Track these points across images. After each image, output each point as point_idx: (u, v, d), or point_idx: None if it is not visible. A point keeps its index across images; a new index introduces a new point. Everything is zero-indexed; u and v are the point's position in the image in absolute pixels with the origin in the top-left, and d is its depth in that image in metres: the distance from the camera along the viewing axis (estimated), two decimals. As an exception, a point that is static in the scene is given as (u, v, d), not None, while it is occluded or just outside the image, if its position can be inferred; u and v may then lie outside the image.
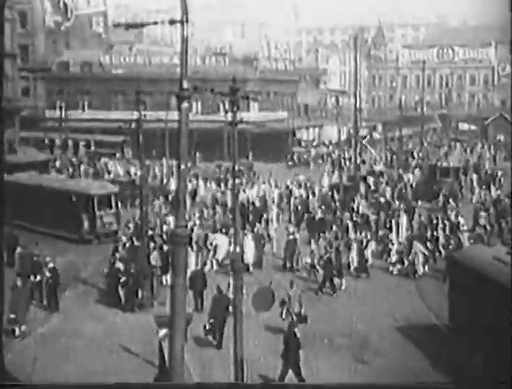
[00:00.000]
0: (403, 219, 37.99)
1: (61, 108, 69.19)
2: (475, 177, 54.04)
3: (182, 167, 15.33)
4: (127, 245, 32.14)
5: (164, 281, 29.96)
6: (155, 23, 16.97)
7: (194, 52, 76.50)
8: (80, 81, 78.24)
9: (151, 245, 31.80)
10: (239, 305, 20.47)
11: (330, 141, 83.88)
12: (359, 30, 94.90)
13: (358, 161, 53.93)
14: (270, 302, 24.54)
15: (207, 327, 24.38)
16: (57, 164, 59.57)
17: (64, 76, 79.06)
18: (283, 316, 25.80)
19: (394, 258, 33.21)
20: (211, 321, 24.33)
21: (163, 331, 19.92)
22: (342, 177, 48.32)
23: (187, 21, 15.29)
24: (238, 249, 22.53)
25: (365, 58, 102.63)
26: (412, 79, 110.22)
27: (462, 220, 37.03)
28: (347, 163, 61.49)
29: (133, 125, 33.93)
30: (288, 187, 48.34)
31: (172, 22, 15.67)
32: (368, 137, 68.42)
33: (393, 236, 35.90)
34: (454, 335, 24.83)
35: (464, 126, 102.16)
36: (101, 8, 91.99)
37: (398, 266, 32.79)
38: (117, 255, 30.20)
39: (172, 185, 50.57)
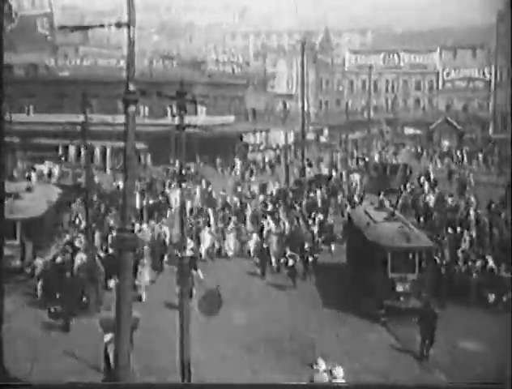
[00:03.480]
0: (271, 224, 39.05)
1: (4, 111, 68.00)
2: (422, 178, 56.57)
3: (129, 170, 15.32)
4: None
5: (109, 285, 29.96)
6: (102, 25, 16.89)
7: (142, 55, 76.09)
8: (25, 84, 77.17)
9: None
10: (186, 308, 20.47)
11: (277, 145, 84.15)
12: (306, 34, 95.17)
13: (305, 165, 54.50)
14: (217, 306, 24.60)
15: (52, 311, 25.90)
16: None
17: (8, 79, 77.76)
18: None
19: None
20: (56, 306, 25.89)
21: (109, 336, 19.81)
22: (289, 181, 49.00)
23: (134, 24, 15.27)
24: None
25: (312, 63, 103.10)
26: (359, 83, 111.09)
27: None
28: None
29: (78, 128, 33.66)
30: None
31: (118, 25, 15.64)
32: None
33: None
34: (348, 270, 32.99)
35: (410, 131, 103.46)
36: (46, 10, 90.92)
37: None
38: (59, 258, 30.01)
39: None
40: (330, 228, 39.64)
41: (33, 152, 68.11)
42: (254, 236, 37.36)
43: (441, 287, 29.31)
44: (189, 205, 43.98)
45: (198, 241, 36.63)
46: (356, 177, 56.90)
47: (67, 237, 34.85)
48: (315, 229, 38.92)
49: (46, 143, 69.82)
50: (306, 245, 34.58)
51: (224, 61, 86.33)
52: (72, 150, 66.31)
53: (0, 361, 17.82)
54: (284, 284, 32.58)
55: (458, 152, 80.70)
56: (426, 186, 53.64)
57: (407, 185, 53.10)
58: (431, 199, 46.84)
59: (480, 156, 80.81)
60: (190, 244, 32.88)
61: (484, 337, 25.26)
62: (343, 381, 18.68)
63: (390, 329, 26.92)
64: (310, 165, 62.62)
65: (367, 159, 71.46)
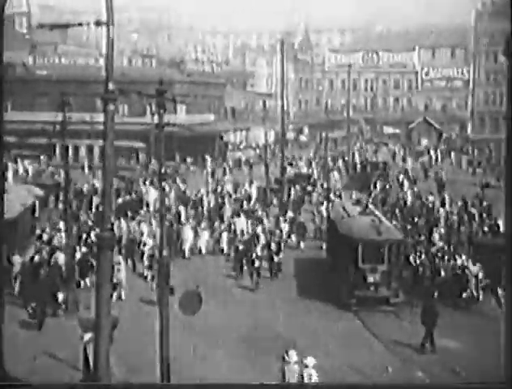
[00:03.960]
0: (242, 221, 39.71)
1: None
2: (401, 176, 57.79)
3: (107, 169, 15.27)
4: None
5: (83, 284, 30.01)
6: (80, 24, 16.83)
7: (121, 54, 75.79)
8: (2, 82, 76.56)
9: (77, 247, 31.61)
10: (165, 306, 20.43)
11: (257, 144, 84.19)
12: (285, 34, 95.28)
13: (285, 164, 54.56)
14: (197, 305, 24.60)
15: (30, 311, 26.10)
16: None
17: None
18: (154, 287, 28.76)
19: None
20: (33, 305, 26.07)
21: (88, 335, 19.72)
22: (268, 180, 49.08)
23: (113, 23, 15.22)
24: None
25: (292, 62, 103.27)
26: (338, 82, 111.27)
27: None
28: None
29: (57, 127, 33.52)
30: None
31: (97, 23, 15.59)
32: None
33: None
34: (327, 262, 34.83)
35: (389, 130, 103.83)
36: (24, 8, 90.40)
37: None
38: (36, 257, 29.88)
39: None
40: (301, 226, 40.03)
41: (10, 151, 67.66)
42: (225, 234, 37.69)
43: (417, 285, 30.24)
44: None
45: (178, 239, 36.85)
46: (335, 175, 57.23)
47: (44, 236, 34.61)
48: (286, 228, 39.48)
49: (24, 141, 69.45)
50: (273, 246, 34.44)
51: (204, 61, 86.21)
52: (57, 148, 65.95)
53: (0, 362, 17.68)
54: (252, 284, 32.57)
55: (432, 152, 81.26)
56: (406, 184, 54.34)
57: (378, 183, 53.84)
58: (408, 197, 47.44)
59: (453, 154, 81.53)
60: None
61: (461, 335, 25.81)
62: (314, 370, 18.98)
63: (361, 317, 28.22)
64: (290, 164, 62.75)
65: (347, 157, 71.83)
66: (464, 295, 28.82)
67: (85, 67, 76.02)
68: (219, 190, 49.98)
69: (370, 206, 34.79)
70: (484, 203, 44.91)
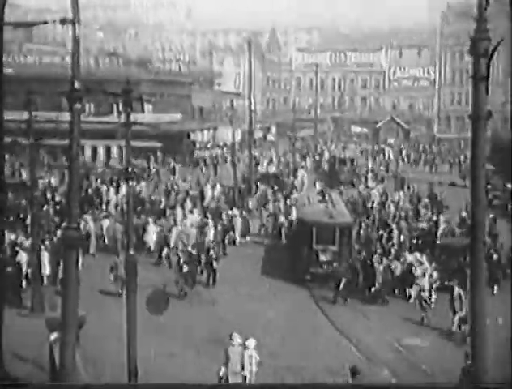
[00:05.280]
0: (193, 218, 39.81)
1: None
2: (369, 175, 58.80)
3: (73, 167, 15.22)
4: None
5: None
6: (46, 22, 16.75)
7: (87, 52, 75.41)
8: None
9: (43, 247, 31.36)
10: (133, 306, 20.38)
11: (224, 143, 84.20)
12: (253, 33, 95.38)
13: (252, 163, 54.70)
14: (163, 305, 24.56)
15: None
16: None
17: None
18: (112, 279, 29.48)
19: None
20: None
21: (54, 335, 19.61)
22: (236, 178, 49.13)
23: (79, 21, 15.16)
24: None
25: (260, 61, 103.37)
26: (306, 81, 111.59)
27: None
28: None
29: (23, 125, 33.26)
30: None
31: (63, 21, 15.51)
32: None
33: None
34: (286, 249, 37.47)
35: (356, 129, 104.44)
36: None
37: None
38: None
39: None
40: (245, 221, 40.53)
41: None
42: (174, 231, 36.44)
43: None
44: (114, 200, 44.15)
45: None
46: (302, 172, 57.54)
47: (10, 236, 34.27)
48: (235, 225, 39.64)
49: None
50: (211, 252, 32.27)
51: (171, 60, 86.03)
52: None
53: (0, 362, 17.60)
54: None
55: (387, 151, 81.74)
56: (370, 181, 55.03)
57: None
58: (375, 194, 47.81)
59: (404, 152, 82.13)
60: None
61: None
62: (255, 351, 20.03)
63: (312, 291, 31.17)
64: (257, 164, 62.88)
65: (315, 156, 72.31)
66: (372, 289, 29.82)
67: (51, 66, 75.51)
68: (170, 187, 49.79)
69: (331, 194, 37.63)
70: (425, 200, 45.52)
